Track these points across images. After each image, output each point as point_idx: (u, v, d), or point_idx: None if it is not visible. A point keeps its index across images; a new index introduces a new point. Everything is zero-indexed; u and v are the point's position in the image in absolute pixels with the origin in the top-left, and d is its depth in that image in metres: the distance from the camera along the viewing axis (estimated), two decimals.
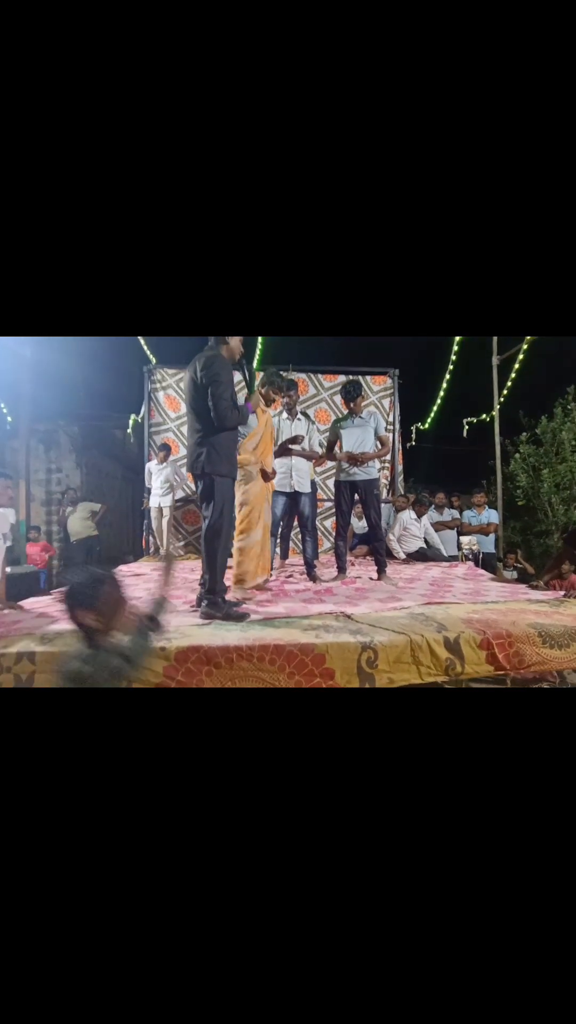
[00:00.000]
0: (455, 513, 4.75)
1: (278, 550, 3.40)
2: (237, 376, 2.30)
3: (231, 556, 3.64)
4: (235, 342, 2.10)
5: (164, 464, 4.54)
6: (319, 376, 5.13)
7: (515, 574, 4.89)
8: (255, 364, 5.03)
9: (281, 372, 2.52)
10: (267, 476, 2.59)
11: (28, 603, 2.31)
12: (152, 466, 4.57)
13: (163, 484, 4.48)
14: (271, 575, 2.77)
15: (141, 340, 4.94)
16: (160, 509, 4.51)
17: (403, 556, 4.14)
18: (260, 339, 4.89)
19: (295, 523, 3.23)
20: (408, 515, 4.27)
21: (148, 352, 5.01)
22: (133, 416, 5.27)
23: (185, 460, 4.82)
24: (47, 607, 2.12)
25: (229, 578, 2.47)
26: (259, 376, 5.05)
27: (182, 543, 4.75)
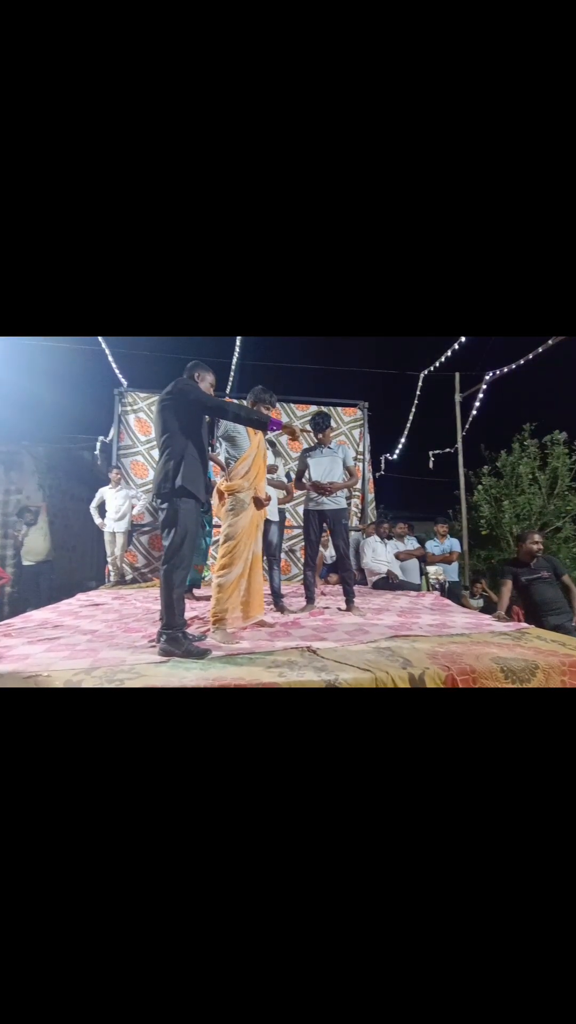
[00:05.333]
0: (415, 542, 4.86)
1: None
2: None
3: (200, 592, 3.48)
4: (207, 382, 2.11)
5: (117, 488, 4.43)
6: (291, 405, 5.23)
7: (481, 602, 5.00)
8: (227, 391, 5.07)
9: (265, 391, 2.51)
10: (260, 503, 2.37)
11: None
12: (106, 491, 4.46)
13: (116, 510, 4.36)
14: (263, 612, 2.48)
15: (112, 362, 4.90)
16: (113, 535, 4.38)
17: (379, 574, 4.19)
18: (233, 368, 4.95)
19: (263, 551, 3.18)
20: (374, 540, 4.40)
21: (119, 374, 4.97)
22: (100, 438, 5.16)
23: (142, 486, 4.72)
24: None
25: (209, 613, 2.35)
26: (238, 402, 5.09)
27: (130, 576, 4.57)
